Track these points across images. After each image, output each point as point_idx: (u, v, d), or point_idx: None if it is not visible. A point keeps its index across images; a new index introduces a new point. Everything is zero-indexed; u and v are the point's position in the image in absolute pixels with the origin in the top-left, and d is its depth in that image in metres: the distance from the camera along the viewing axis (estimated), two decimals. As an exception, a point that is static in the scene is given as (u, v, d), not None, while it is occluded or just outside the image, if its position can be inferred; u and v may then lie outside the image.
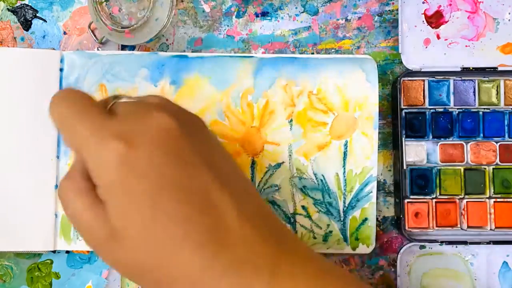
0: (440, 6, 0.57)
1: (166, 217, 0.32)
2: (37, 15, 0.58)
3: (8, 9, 0.58)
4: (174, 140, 0.34)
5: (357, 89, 0.56)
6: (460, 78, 0.57)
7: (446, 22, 0.57)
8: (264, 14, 0.59)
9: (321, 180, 0.55)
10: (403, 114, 0.57)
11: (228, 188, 0.34)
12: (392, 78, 0.58)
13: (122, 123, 0.33)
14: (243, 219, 0.34)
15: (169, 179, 0.32)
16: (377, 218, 0.57)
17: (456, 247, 0.56)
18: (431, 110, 0.57)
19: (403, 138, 0.56)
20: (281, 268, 0.33)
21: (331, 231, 0.55)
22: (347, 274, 0.37)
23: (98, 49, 0.57)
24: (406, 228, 0.55)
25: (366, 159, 0.55)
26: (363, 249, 0.55)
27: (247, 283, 0.32)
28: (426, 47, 0.57)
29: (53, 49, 0.57)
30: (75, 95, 0.36)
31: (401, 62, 0.57)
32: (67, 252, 0.57)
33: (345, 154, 0.56)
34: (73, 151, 0.36)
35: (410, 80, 0.57)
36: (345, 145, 0.56)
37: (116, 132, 0.32)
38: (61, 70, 0.56)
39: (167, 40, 0.58)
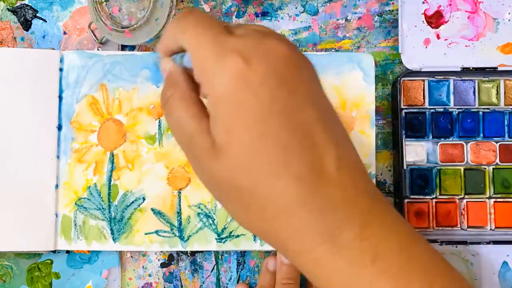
0: (440, 6, 0.57)
1: (271, 141, 0.32)
2: (37, 15, 0.58)
3: (8, 9, 0.58)
4: (289, 68, 0.33)
5: (354, 89, 0.56)
6: (460, 78, 0.57)
7: (446, 22, 0.57)
8: (264, 14, 0.59)
9: (321, 180, 0.55)
10: (403, 114, 0.57)
11: (330, 131, 0.34)
12: (392, 78, 0.58)
13: (243, 41, 0.33)
14: (341, 165, 0.33)
15: (279, 105, 0.32)
16: (377, 218, 0.57)
17: (456, 247, 0.56)
18: (431, 110, 0.57)
19: (403, 138, 0.56)
20: (372, 225, 0.33)
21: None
22: (434, 249, 0.36)
23: (98, 49, 0.57)
24: (406, 228, 0.55)
25: (364, 157, 0.55)
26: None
27: (338, 227, 0.32)
28: (426, 47, 0.57)
29: (53, 49, 0.57)
30: (200, 12, 0.37)
31: (401, 62, 0.57)
32: (67, 252, 0.57)
33: (344, 152, 0.56)
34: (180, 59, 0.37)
35: (410, 80, 0.57)
36: (344, 143, 0.56)
37: (237, 49, 0.32)
38: (60, 70, 0.56)
39: (167, 40, 0.58)
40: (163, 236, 0.55)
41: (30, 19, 0.58)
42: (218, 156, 0.33)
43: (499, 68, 0.56)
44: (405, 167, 0.55)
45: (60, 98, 0.56)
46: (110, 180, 0.56)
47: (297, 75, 0.34)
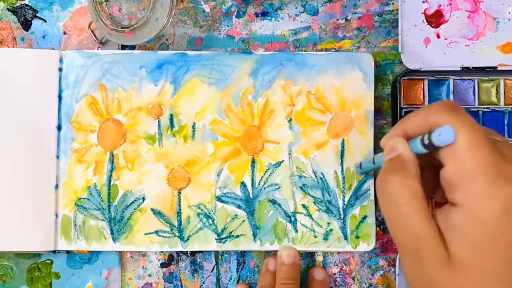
0: (440, 5, 0.57)
1: None
2: (37, 15, 0.58)
3: (8, 9, 0.58)
4: None
5: (353, 90, 0.56)
6: (460, 78, 0.57)
7: (446, 21, 0.57)
8: (264, 14, 0.59)
9: (321, 178, 0.56)
10: (403, 113, 0.57)
11: None
12: (392, 78, 0.58)
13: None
14: None
15: None
16: (376, 218, 0.57)
17: (457, 246, 0.55)
18: (431, 110, 0.57)
19: (403, 138, 0.56)
20: None
21: (331, 230, 0.55)
22: None
23: (98, 49, 0.57)
24: (406, 227, 0.55)
25: (363, 157, 0.55)
26: (363, 247, 0.55)
27: None
28: (426, 47, 0.57)
29: (53, 49, 0.57)
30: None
31: (401, 62, 0.57)
32: (67, 252, 0.57)
33: (342, 152, 0.56)
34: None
35: (410, 79, 0.57)
36: (342, 143, 0.56)
37: (508, 175, 0.32)
38: (60, 70, 0.56)
39: (167, 40, 0.58)
40: (163, 236, 0.55)
41: (30, 19, 0.58)
42: (453, 269, 0.33)
43: (499, 68, 0.56)
44: (405, 167, 0.55)
45: (60, 98, 0.56)
46: (110, 180, 0.56)
47: None
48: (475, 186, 0.33)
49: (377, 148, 0.57)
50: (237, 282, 0.57)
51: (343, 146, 0.56)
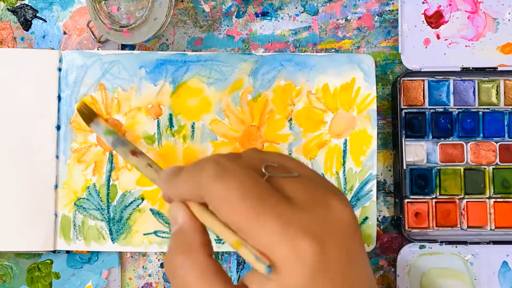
0: (440, 6, 0.57)
1: None
2: (37, 15, 0.58)
3: (8, 9, 0.58)
4: (355, 238, 0.31)
5: (355, 89, 0.56)
6: (460, 78, 0.57)
7: (446, 22, 0.57)
8: (264, 14, 0.59)
9: (321, 179, 0.55)
10: (403, 114, 0.57)
11: None
12: (392, 78, 0.58)
13: (306, 215, 0.29)
14: None
15: (347, 283, 0.29)
16: (377, 218, 0.57)
17: (456, 247, 0.55)
18: (431, 110, 0.57)
19: (403, 138, 0.56)
20: None
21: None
22: None
23: (98, 49, 0.57)
24: (406, 228, 0.55)
25: (366, 158, 0.55)
26: (362, 248, 0.55)
27: None
28: (426, 47, 0.57)
29: (53, 49, 0.57)
30: (223, 156, 0.32)
31: (401, 62, 0.57)
32: (67, 252, 0.57)
33: (344, 152, 0.56)
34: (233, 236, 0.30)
35: (410, 80, 0.57)
36: (344, 143, 0.56)
37: (307, 228, 0.28)
38: (60, 69, 0.56)
39: (167, 40, 0.58)
40: (162, 237, 0.55)
41: (30, 19, 0.58)
42: None
43: (499, 68, 0.56)
44: (405, 167, 0.55)
45: (59, 98, 0.56)
46: (109, 180, 0.56)
47: (360, 245, 0.31)
48: (268, 249, 0.28)
49: (379, 148, 0.57)
50: (237, 282, 0.57)
51: (345, 146, 0.56)
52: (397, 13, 0.57)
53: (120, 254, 0.57)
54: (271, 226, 0.28)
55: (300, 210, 0.29)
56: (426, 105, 0.57)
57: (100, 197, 0.55)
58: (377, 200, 0.56)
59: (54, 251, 0.56)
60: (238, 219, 0.29)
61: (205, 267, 0.31)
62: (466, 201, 0.56)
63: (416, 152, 0.56)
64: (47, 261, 0.57)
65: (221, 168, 0.30)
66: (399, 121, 0.56)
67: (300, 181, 0.32)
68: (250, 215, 0.29)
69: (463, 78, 0.57)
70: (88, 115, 0.41)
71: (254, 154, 0.34)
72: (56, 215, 0.55)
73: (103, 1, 0.54)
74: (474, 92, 0.57)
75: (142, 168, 0.35)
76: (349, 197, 0.55)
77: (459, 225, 0.56)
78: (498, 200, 0.56)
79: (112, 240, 0.55)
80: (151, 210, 0.55)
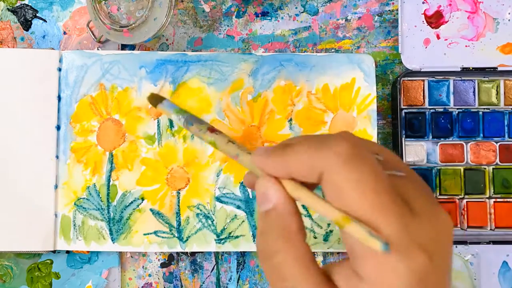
0: (440, 6, 0.57)
1: None
2: (37, 15, 0.58)
3: (8, 9, 0.58)
4: (451, 247, 0.30)
5: (355, 89, 0.56)
6: (460, 78, 0.57)
7: (446, 22, 0.57)
8: (264, 14, 0.59)
9: (320, 180, 0.55)
10: (403, 114, 0.57)
11: None
12: (392, 78, 0.58)
13: (428, 231, 0.28)
14: None
15: None
16: (377, 218, 0.57)
17: (456, 247, 0.55)
18: (431, 110, 0.57)
19: (403, 138, 0.56)
20: None
21: (331, 230, 0.55)
22: None
23: (98, 49, 0.57)
24: (406, 228, 0.55)
25: None
26: (362, 248, 0.55)
27: None
28: (426, 47, 0.57)
29: (53, 49, 0.57)
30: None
31: (401, 62, 0.57)
32: (67, 252, 0.56)
33: (344, 153, 0.56)
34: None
35: (410, 80, 0.57)
36: (345, 144, 0.56)
37: (423, 243, 0.27)
38: (60, 69, 0.56)
39: (167, 40, 0.58)
40: (162, 237, 0.55)
41: (30, 19, 0.58)
42: None
43: (499, 68, 0.56)
44: (404, 167, 0.55)
45: (59, 98, 0.56)
46: (109, 180, 0.56)
47: (450, 252, 0.30)
48: (381, 260, 0.27)
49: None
50: (237, 282, 0.57)
51: None
52: (397, 13, 0.57)
53: (120, 254, 0.57)
54: (391, 230, 0.27)
55: (417, 220, 0.28)
56: (426, 105, 0.57)
57: (100, 197, 0.55)
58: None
59: (54, 251, 0.56)
60: (363, 208, 0.27)
61: (303, 254, 0.29)
62: (466, 201, 0.56)
63: (416, 152, 0.56)
64: (47, 261, 0.57)
65: (355, 150, 0.28)
66: (399, 121, 0.56)
67: (411, 184, 0.30)
68: (376, 209, 0.27)
69: (463, 78, 0.57)
70: (156, 98, 0.41)
71: (360, 141, 0.32)
72: (56, 215, 0.55)
73: (103, 1, 0.54)
74: (474, 92, 0.57)
75: (222, 145, 0.34)
76: (349, 197, 0.55)
77: (459, 225, 0.56)
78: (498, 200, 0.56)
79: (112, 240, 0.55)
80: (151, 210, 0.55)
